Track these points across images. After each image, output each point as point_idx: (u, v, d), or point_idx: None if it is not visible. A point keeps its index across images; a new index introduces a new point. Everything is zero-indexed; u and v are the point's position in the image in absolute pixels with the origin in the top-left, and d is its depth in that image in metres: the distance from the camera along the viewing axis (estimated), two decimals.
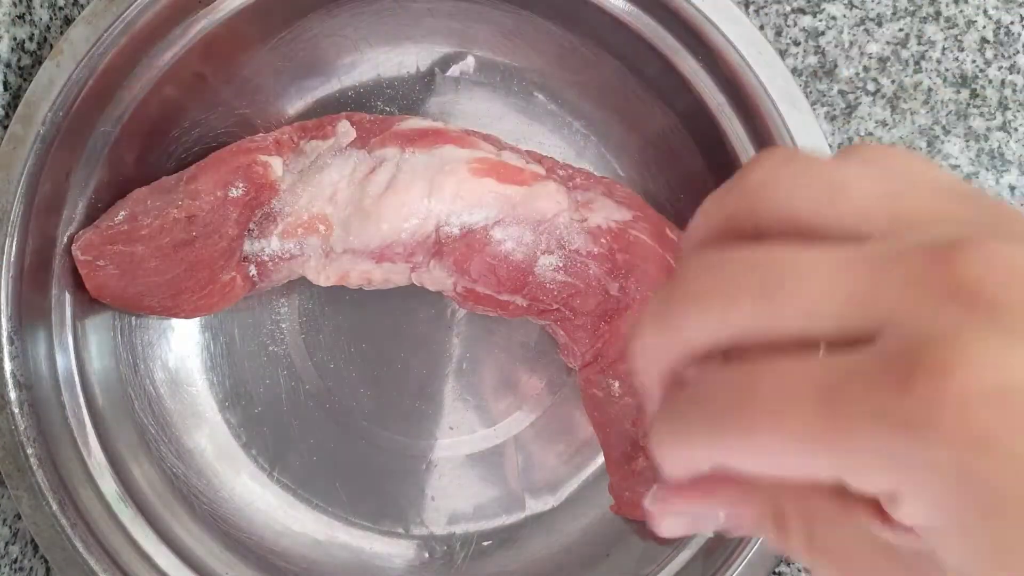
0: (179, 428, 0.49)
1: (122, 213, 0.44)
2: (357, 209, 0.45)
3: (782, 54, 0.53)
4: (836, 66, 0.53)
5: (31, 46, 0.45)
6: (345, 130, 0.47)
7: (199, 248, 0.43)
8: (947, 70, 0.53)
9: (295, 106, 0.52)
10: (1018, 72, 0.53)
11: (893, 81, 0.53)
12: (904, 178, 0.18)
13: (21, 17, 0.44)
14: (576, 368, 0.49)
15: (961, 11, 0.53)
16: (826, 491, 0.18)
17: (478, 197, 0.44)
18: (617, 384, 0.46)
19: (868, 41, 0.53)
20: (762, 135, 0.44)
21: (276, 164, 0.45)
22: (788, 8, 0.54)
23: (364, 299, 0.52)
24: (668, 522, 0.21)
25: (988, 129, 0.53)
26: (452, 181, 0.44)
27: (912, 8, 0.53)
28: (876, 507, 0.17)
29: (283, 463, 0.51)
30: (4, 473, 0.41)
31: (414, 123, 0.48)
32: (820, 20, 0.53)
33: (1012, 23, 0.53)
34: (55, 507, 0.41)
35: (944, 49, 0.53)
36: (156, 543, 0.44)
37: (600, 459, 0.51)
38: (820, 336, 0.16)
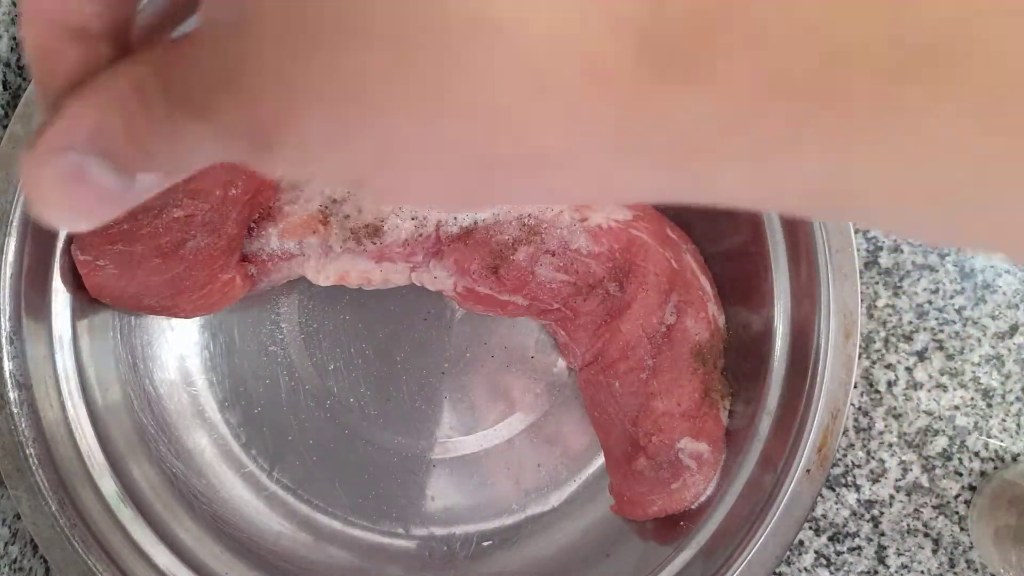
0: (179, 428, 0.49)
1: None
2: (356, 208, 0.45)
3: None
4: None
5: None
6: None
7: (199, 247, 0.43)
8: None
9: None
10: None
11: None
12: None
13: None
14: (576, 368, 0.49)
15: None
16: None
17: None
18: (618, 384, 0.46)
19: None
20: None
21: None
22: None
23: (364, 299, 0.52)
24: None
25: None
26: None
27: None
28: None
29: (283, 463, 0.51)
30: (4, 473, 0.41)
31: None
32: None
33: None
34: (55, 507, 0.41)
35: None
36: (155, 543, 0.44)
37: (600, 459, 0.51)
38: None
